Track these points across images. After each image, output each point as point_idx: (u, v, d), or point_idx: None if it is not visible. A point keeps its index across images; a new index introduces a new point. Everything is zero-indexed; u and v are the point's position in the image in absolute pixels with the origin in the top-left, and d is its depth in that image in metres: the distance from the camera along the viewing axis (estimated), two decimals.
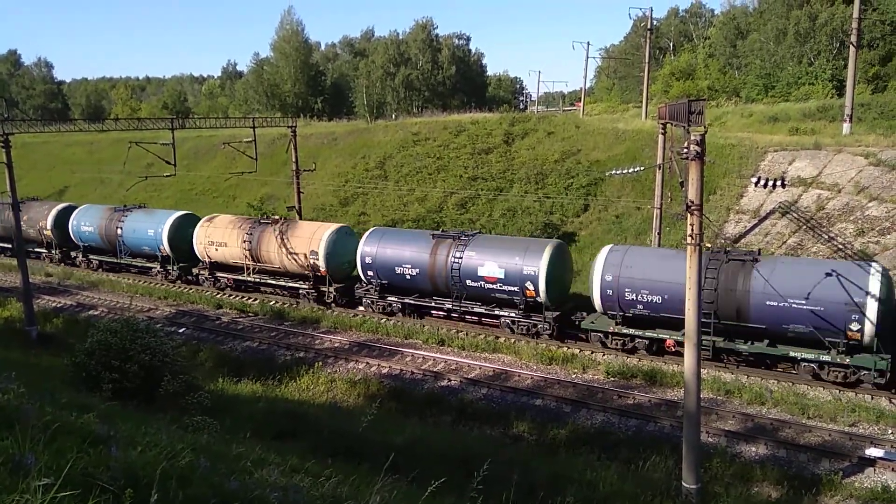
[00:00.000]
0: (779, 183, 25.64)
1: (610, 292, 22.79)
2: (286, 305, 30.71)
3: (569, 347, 24.20)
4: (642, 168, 30.34)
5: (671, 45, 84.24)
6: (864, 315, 18.92)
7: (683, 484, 14.29)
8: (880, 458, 16.00)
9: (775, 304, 20.04)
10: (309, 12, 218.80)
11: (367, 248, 28.19)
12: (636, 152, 36.75)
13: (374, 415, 12.01)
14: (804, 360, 20.32)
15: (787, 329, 20.21)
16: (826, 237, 27.28)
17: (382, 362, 23.77)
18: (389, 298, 28.24)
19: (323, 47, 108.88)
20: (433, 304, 27.27)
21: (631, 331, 22.98)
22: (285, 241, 30.51)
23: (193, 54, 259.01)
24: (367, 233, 29.26)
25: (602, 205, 35.22)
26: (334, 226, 30.68)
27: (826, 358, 19.79)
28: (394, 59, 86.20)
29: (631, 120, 44.75)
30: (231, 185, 49.90)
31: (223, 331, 28.14)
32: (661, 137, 26.59)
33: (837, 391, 19.79)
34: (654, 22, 51.45)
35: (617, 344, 23.40)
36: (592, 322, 23.83)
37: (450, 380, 22.15)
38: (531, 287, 24.29)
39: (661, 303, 21.82)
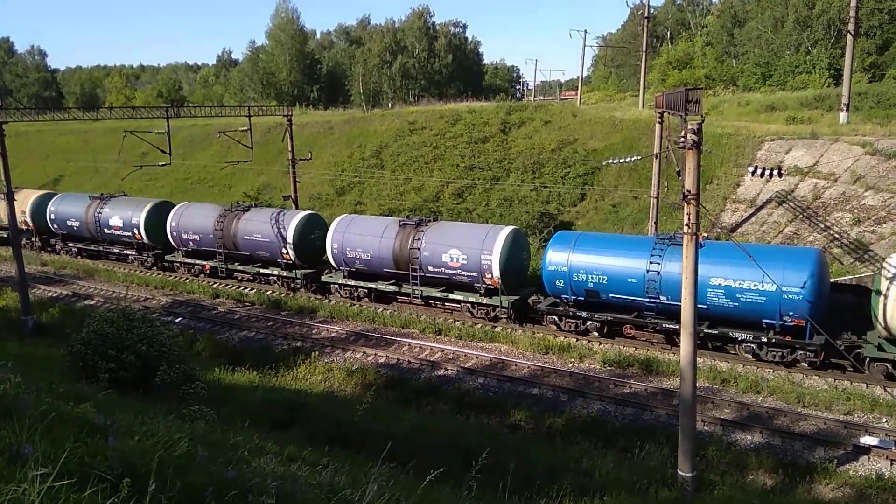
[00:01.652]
0: (775, 172, 25.66)
1: (175, 234, 34.27)
2: (283, 295, 30.72)
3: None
4: (639, 157, 30.31)
5: (668, 33, 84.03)
6: (288, 244, 30.06)
7: (679, 472, 14.37)
8: (874, 447, 16.10)
9: (248, 237, 31.47)
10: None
11: (52, 208, 40.27)
12: (633, 141, 36.68)
13: (369, 403, 12.02)
14: (270, 274, 31.67)
15: (260, 255, 31.46)
16: (822, 226, 27.33)
17: (379, 351, 23.80)
18: (69, 244, 40.44)
19: (318, 35, 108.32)
20: (92, 247, 39.28)
21: (189, 260, 34.34)
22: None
23: (188, 42, 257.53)
24: (55, 197, 41.22)
25: (599, 194, 35.19)
26: (39, 193, 42.60)
27: (283, 273, 31.05)
28: (390, 48, 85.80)
29: (628, 109, 44.62)
30: (227, 175, 49.71)
31: (220, 320, 28.12)
32: (658, 126, 26.55)
33: (833, 380, 19.90)
34: (652, 10, 51.33)
35: (185, 269, 34.71)
36: (172, 255, 35.34)
37: (447, 369, 22.20)
38: (138, 233, 35.88)
39: (199, 240, 33.39)
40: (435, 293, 26.78)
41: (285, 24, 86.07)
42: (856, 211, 27.34)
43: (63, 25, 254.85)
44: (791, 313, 19.86)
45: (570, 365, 22.17)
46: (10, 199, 27.24)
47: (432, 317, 26.82)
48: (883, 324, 18.83)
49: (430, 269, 26.26)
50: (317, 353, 24.01)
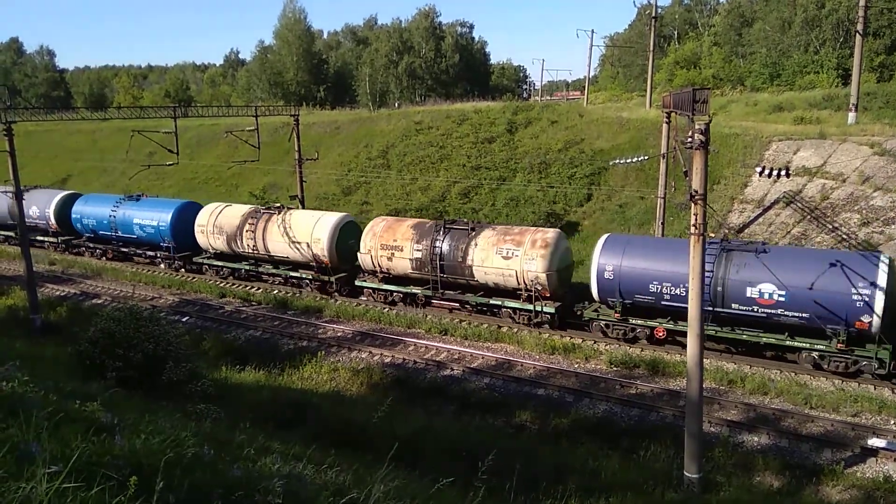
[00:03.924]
0: (783, 172, 25.56)
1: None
2: (290, 294, 30.78)
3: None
4: (646, 157, 30.24)
5: (676, 33, 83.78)
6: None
7: (685, 473, 14.34)
8: (882, 449, 16.01)
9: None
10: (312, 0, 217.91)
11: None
12: (640, 141, 36.60)
13: (385, 409, 11.98)
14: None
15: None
16: (830, 227, 27.20)
17: (385, 351, 23.82)
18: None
19: (325, 35, 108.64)
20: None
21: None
22: None
23: (196, 42, 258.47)
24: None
25: (605, 194, 35.12)
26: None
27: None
28: (397, 48, 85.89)
29: (635, 109, 44.54)
30: (234, 174, 49.89)
31: (226, 319, 28.20)
32: (665, 126, 26.47)
33: (840, 381, 19.80)
34: (659, 10, 51.12)
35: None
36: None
37: (452, 369, 22.19)
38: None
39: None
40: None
41: (293, 24, 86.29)
42: (864, 212, 27.20)
43: (71, 26, 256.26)
44: (167, 238, 35.06)
45: (576, 365, 22.13)
46: (19, 199, 27.37)
47: (438, 317, 26.84)
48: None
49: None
50: (323, 352, 24.04)
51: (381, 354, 23.68)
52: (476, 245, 25.49)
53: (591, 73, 70.33)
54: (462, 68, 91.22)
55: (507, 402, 19.76)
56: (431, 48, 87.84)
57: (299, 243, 30.14)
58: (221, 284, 33.00)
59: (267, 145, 42.64)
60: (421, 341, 24.56)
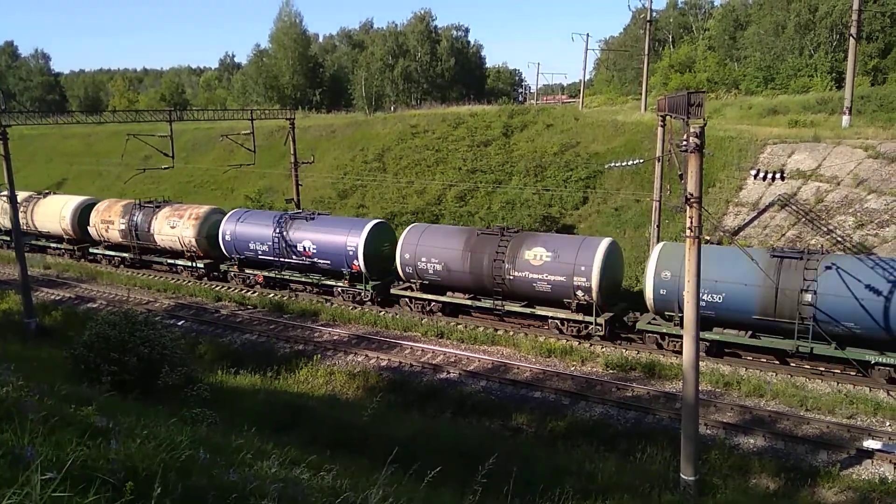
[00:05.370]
0: (778, 175, 25.67)
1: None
2: (285, 298, 30.73)
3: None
4: (641, 160, 30.32)
5: (670, 37, 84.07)
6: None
7: (681, 476, 14.33)
8: (878, 450, 16.05)
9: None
10: (308, 3, 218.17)
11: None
12: (635, 145, 36.69)
13: (374, 408, 11.98)
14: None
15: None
16: (825, 230, 27.29)
17: (381, 355, 23.79)
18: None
19: (321, 39, 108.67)
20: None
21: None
22: None
23: (191, 46, 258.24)
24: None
25: (601, 197, 35.18)
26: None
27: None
28: (392, 51, 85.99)
29: (630, 112, 44.64)
30: (229, 178, 49.80)
31: (222, 323, 28.12)
32: (660, 130, 26.50)
33: (836, 383, 19.85)
34: (654, 14, 51.34)
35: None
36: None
37: (449, 372, 22.18)
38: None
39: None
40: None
41: (288, 27, 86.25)
42: (858, 214, 27.30)
43: (66, 29, 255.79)
44: None
45: (573, 368, 22.14)
46: (14, 203, 27.28)
47: (434, 320, 26.83)
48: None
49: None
50: (318, 356, 23.99)
51: (378, 358, 23.65)
52: (157, 218, 34.69)
53: (587, 77, 70.52)
54: (458, 72, 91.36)
55: (503, 406, 19.75)
56: (427, 52, 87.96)
57: (53, 221, 39.84)
58: (216, 288, 32.92)
59: (263, 149, 42.57)
60: (417, 344, 24.54)
